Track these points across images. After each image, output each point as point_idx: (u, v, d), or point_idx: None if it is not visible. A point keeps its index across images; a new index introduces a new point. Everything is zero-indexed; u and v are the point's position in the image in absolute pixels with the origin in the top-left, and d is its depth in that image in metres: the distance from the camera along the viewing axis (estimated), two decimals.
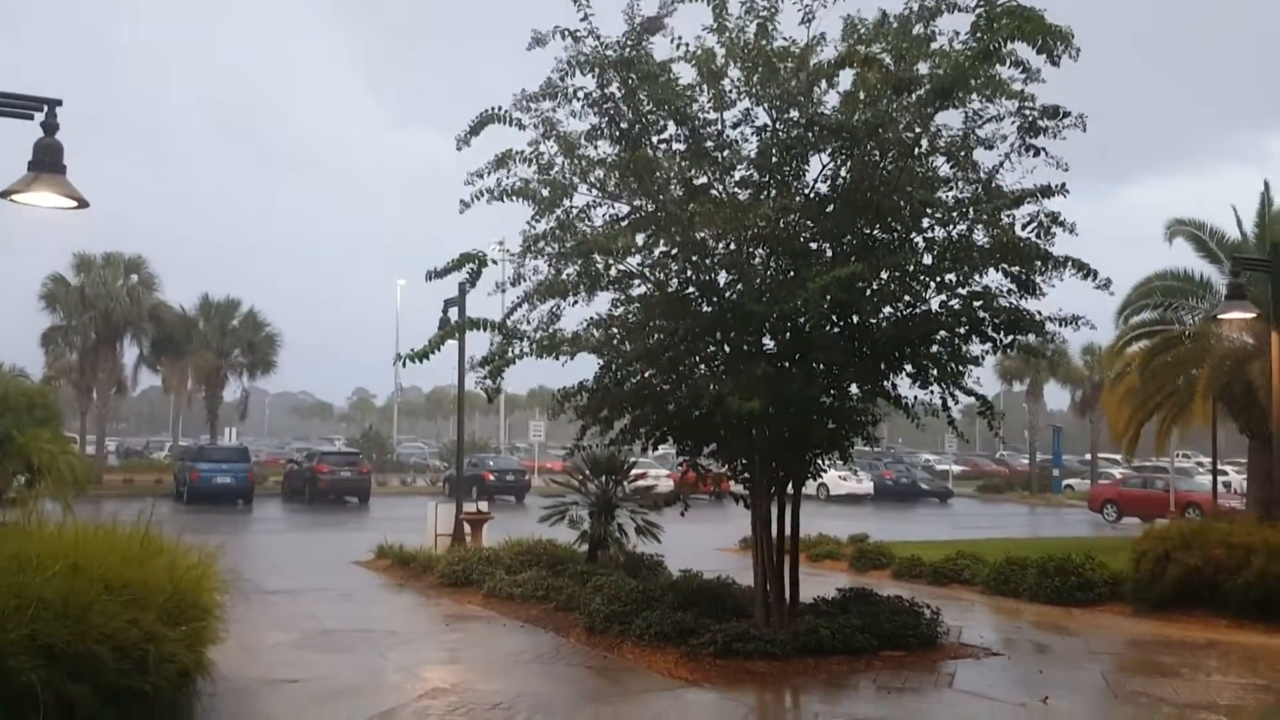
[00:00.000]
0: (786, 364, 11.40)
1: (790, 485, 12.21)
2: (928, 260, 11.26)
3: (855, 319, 11.33)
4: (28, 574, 6.64)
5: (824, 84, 11.03)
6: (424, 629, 13.10)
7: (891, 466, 51.81)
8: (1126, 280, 22.79)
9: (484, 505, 21.13)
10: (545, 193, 11.37)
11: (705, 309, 11.45)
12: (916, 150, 11.12)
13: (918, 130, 11.02)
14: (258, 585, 14.79)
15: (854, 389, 12.01)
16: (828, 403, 11.76)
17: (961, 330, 11.42)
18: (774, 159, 10.94)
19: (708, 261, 11.41)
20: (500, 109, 11.30)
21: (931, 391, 11.87)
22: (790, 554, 12.04)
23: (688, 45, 11.10)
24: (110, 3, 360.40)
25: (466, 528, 19.18)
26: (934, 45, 10.84)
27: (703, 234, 10.91)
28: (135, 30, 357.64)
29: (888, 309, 11.46)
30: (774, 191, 11.06)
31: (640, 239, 11.35)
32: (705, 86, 11.13)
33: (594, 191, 11.62)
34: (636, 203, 11.53)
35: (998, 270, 11.27)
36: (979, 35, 10.41)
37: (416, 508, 25.23)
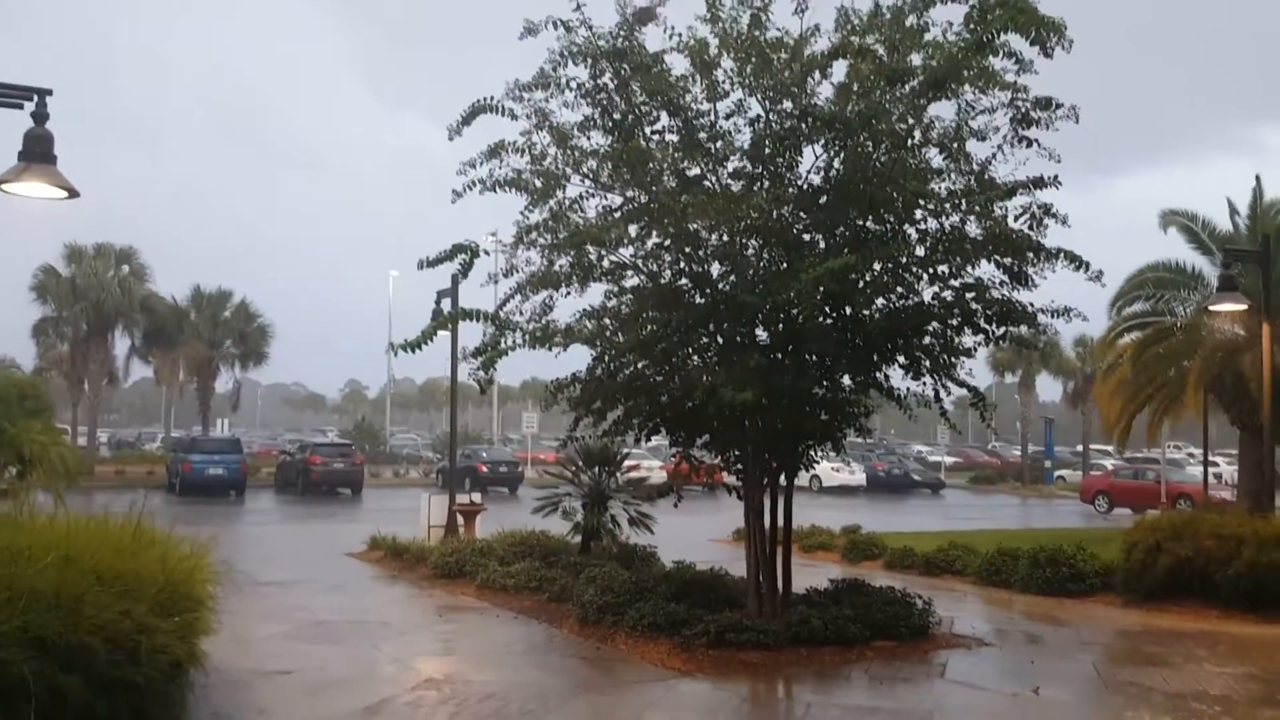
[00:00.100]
0: (779, 355, 11.41)
1: (783, 476, 12.23)
2: (920, 252, 11.28)
3: (848, 310, 11.32)
4: (20, 565, 6.62)
5: (817, 75, 11.02)
6: (417, 620, 13.10)
7: (884, 458, 51.96)
8: (1119, 272, 22.84)
9: (477, 497, 21.15)
10: (538, 183, 11.36)
11: (698, 300, 11.45)
12: (909, 142, 11.12)
13: (911, 122, 11.04)
14: (250, 577, 14.79)
15: (846, 380, 12.03)
16: (820, 394, 11.77)
17: (954, 322, 11.44)
18: (767, 150, 10.92)
19: (701, 253, 11.41)
20: (492, 99, 11.28)
21: (924, 383, 11.88)
22: (783, 545, 12.06)
23: (681, 36, 11.09)
24: (110, 2, 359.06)
25: (459, 519, 19.18)
26: (927, 36, 10.85)
27: (696, 225, 10.91)
28: (134, 29, 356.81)
29: (880, 300, 11.47)
30: (767, 183, 11.06)
31: (633, 230, 11.35)
32: (698, 77, 11.12)
33: (587, 182, 11.62)
34: (629, 194, 11.52)
35: (990, 262, 11.28)
36: (972, 26, 10.42)
37: (409, 499, 25.22)
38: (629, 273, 11.81)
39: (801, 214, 11.25)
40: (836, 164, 11.14)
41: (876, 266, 11.07)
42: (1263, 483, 19.35)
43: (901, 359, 11.70)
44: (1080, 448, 59.00)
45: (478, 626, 12.56)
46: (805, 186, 11.26)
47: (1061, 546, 15.57)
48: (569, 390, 12.31)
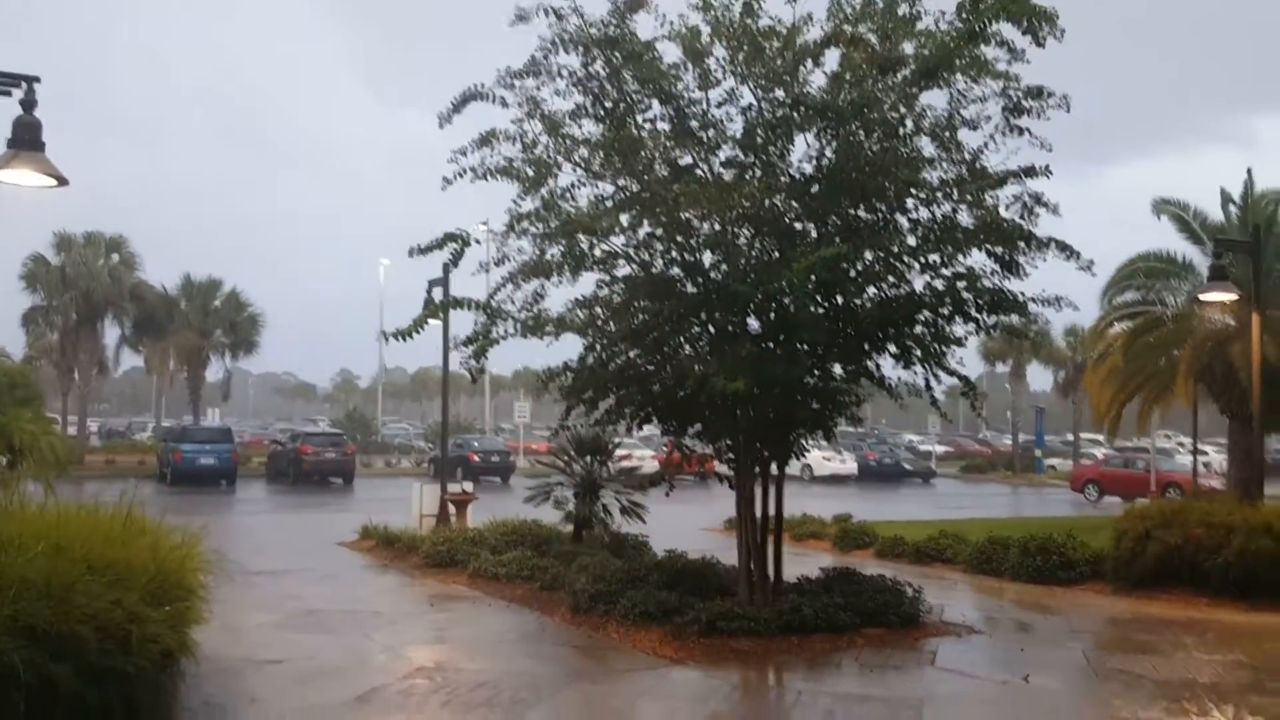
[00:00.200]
0: (771, 344, 11.41)
1: (774, 465, 12.24)
2: (912, 241, 11.30)
3: (839, 299, 11.34)
4: (10, 555, 6.60)
5: (810, 63, 11.00)
6: (409, 609, 13.11)
7: (875, 447, 52.09)
8: (1110, 262, 22.89)
9: (469, 486, 21.15)
10: (529, 172, 11.33)
11: (690, 289, 11.44)
12: (901, 130, 11.12)
13: (903, 110, 11.03)
14: (242, 566, 14.78)
15: (838, 369, 12.04)
16: (812, 383, 11.78)
17: (945, 311, 11.45)
18: (759, 139, 10.91)
19: (692, 242, 11.40)
20: (483, 86, 11.25)
21: (915, 372, 11.90)
22: (774, 534, 12.08)
23: (672, 24, 11.07)
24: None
25: (451, 508, 19.18)
26: (919, 25, 10.84)
27: (687, 214, 10.89)
28: (132, 23, 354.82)
29: (872, 289, 11.49)
30: (759, 172, 11.05)
31: (625, 219, 11.32)
32: (690, 65, 11.10)
33: (578, 171, 11.59)
34: (621, 182, 11.50)
35: (981, 251, 11.30)
36: (964, 15, 10.43)
37: (401, 489, 25.22)
38: (620, 262, 11.80)
39: (793, 203, 11.24)
40: (828, 153, 11.13)
41: (868, 255, 11.08)
42: (1252, 471, 19.45)
43: (893, 348, 11.72)
44: (1071, 437, 59.29)
45: (469, 615, 12.57)
46: (797, 175, 11.25)
47: (1052, 535, 15.62)
48: (561, 379, 12.30)
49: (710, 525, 21.12)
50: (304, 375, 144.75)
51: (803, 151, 11.22)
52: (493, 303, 11.34)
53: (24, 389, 17.72)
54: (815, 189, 11.15)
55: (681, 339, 11.83)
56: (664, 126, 11.29)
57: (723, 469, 12.57)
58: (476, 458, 40.97)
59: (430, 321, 11.69)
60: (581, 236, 11.05)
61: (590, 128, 11.47)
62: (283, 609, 12.43)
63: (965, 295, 11.32)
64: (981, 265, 11.37)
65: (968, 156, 11.24)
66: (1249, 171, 22.33)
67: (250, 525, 24.52)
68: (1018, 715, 8.66)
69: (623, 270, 11.88)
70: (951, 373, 11.84)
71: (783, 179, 11.13)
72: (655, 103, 11.22)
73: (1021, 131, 11.01)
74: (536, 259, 11.41)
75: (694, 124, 11.15)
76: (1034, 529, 16.59)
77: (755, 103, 11.13)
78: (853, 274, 11.05)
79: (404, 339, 10.94)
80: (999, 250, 11.24)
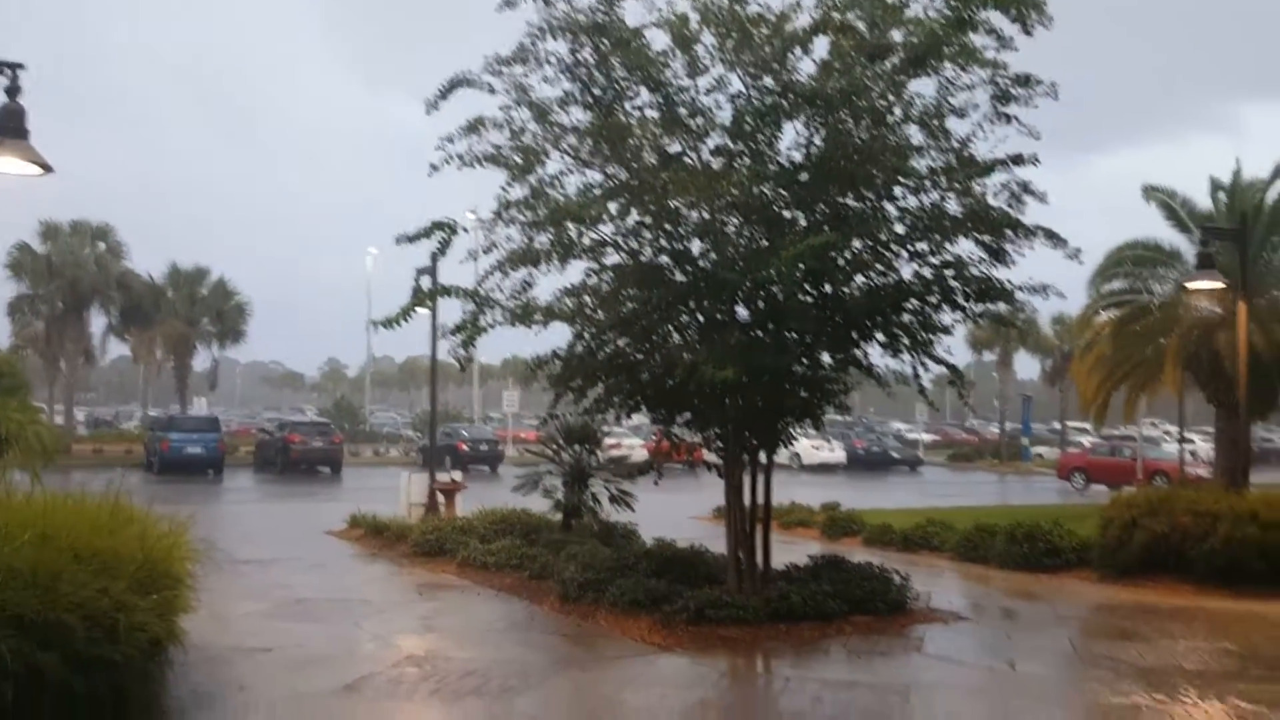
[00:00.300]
0: (760, 333, 11.41)
1: (763, 454, 12.25)
2: (900, 229, 11.31)
3: (828, 288, 11.34)
4: None
5: (798, 51, 10.98)
6: (398, 598, 13.10)
7: (863, 435, 52.23)
8: (1098, 250, 22.98)
9: (457, 475, 21.13)
10: (517, 159, 11.30)
11: (678, 278, 11.43)
12: (890, 118, 11.11)
13: (891, 98, 11.02)
14: (230, 555, 14.76)
15: (826, 358, 12.04)
16: (800, 371, 11.78)
17: (933, 299, 11.46)
18: (748, 126, 10.89)
19: (681, 230, 11.38)
20: (471, 73, 11.21)
21: (903, 360, 11.93)
22: (763, 522, 12.10)
23: (660, 10, 11.04)
24: None
25: (440, 497, 19.17)
26: (908, 13, 10.82)
27: (676, 202, 10.87)
28: (119, 12, 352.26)
29: (860, 278, 11.49)
30: (748, 160, 11.03)
31: (613, 207, 11.31)
32: (678, 52, 11.06)
33: (566, 159, 11.56)
34: (609, 170, 11.47)
35: (969, 239, 11.31)
36: (953, 3, 10.43)
37: (389, 478, 25.19)
38: (609, 250, 11.77)
39: (782, 191, 11.23)
40: (817, 141, 11.12)
41: (856, 244, 11.09)
42: (1238, 459, 19.53)
43: (881, 336, 11.73)
44: (1058, 425, 59.47)
45: (458, 604, 12.57)
46: (786, 163, 11.23)
47: (1038, 522, 15.67)
48: (549, 367, 12.29)
49: (699, 514, 21.14)
50: (292, 364, 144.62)
51: (791, 139, 11.22)
52: (481, 291, 11.32)
53: (10, 378, 17.60)
54: (804, 177, 11.14)
55: (670, 327, 11.82)
56: (652, 114, 11.27)
57: (711, 457, 12.58)
58: (465, 447, 40.97)
59: (419, 310, 11.67)
60: (570, 225, 11.02)
61: (578, 115, 11.46)
62: (271, 597, 12.41)
63: (953, 283, 11.34)
64: (969, 253, 11.39)
65: (956, 144, 11.24)
66: (1237, 160, 22.47)
67: (238, 514, 24.48)
68: (1004, 702, 8.70)
69: (611, 258, 11.87)
70: (939, 361, 11.86)
71: (771, 167, 11.11)
72: (644, 90, 11.19)
73: (1009, 119, 11.02)
74: (525, 247, 11.38)
75: (682, 111, 11.13)
76: (1021, 517, 16.65)
77: (744, 90, 11.11)
78: (841, 262, 11.06)
79: (392, 327, 10.92)
80: (987, 238, 11.26)
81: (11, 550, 6.52)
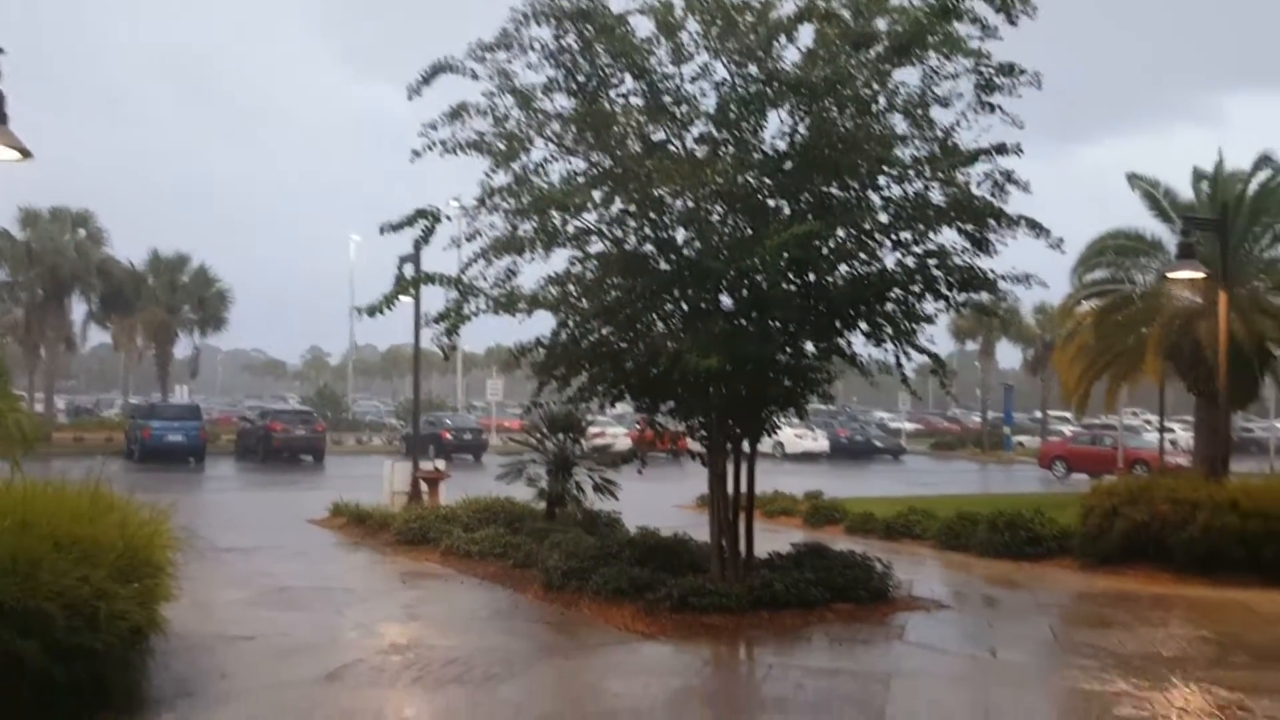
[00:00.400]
0: (743, 321, 11.41)
1: (747, 442, 12.26)
2: (884, 218, 11.32)
3: (811, 277, 11.35)
4: None
5: (783, 39, 10.97)
6: (381, 586, 13.08)
7: (846, 424, 52.44)
8: (1080, 240, 23.04)
9: (441, 464, 21.10)
10: (501, 146, 11.25)
11: (663, 266, 11.41)
12: (874, 107, 11.11)
13: (875, 87, 11.01)
14: (211, 543, 14.71)
15: (810, 347, 12.06)
16: (784, 360, 11.79)
17: (916, 288, 11.48)
18: (732, 115, 10.86)
19: (665, 218, 11.36)
20: (454, 58, 11.15)
21: (886, 349, 11.94)
22: (746, 510, 12.12)
23: None
24: None
25: (423, 486, 19.14)
26: (893, 1, 10.81)
27: (660, 190, 10.85)
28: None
29: (844, 267, 11.50)
30: (732, 148, 11.02)
31: (597, 195, 11.26)
32: (663, 39, 11.03)
33: (551, 146, 11.52)
34: (594, 158, 11.44)
35: (952, 228, 11.33)
36: None
37: (372, 466, 25.14)
38: (593, 238, 11.74)
39: (766, 180, 11.21)
40: (801, 129, 11.11)
41: (840, 233, 11.09)
42: (1218, 448, 19.68)
43: (864, 325, 11.74)
44: (1039, 414, 59.78)
45: (442, 592, 12.56)
46: (770, 152, 11.22)
47: (1020, 511, 15.76)
48: (533, 354, 12.27)
49: (683, 502, 21.18)
50: (274, 352, 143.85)
51: (776, 128, 11.21)
52: (464, 279, 11.28)
53: None
54: (788, 166, 11.13)
55: (654, 316, 11.81)
56: (637, 101, 11.23)
57: (695, 446, 12.59)
58: (449, 435, 40.89)
59: (402, 298, 11.63)
60: (554, 212, 10.98)
61: (562, 102, 11.41)
62: (253, 585, 12.37)
63: (936, 273, 11.36)
64: (952, 243, 11.41)
65: (940, 134, 11.25)
66: (1220, 151, 22.56)
67: (220, 502, 24.39)
68: (985, 689, 8.74)
69: (595, 247, 11.84)
70: (922, 350, 11.89)
71: (756, 155, 11.10)
72: (628, 77, 11.15)
73: (993, 109, 11.04)
74: (508, 235, 11.35)
75: (667, 99, 11.10)
76: (1002, 505, 16.73)
77: (728, 78, 11.09)
78: (825, 251, 11.06)
79: (372, 315, 10.89)
80: (970, 228, 11.27)
81: None
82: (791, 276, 11.13)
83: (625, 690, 8.53)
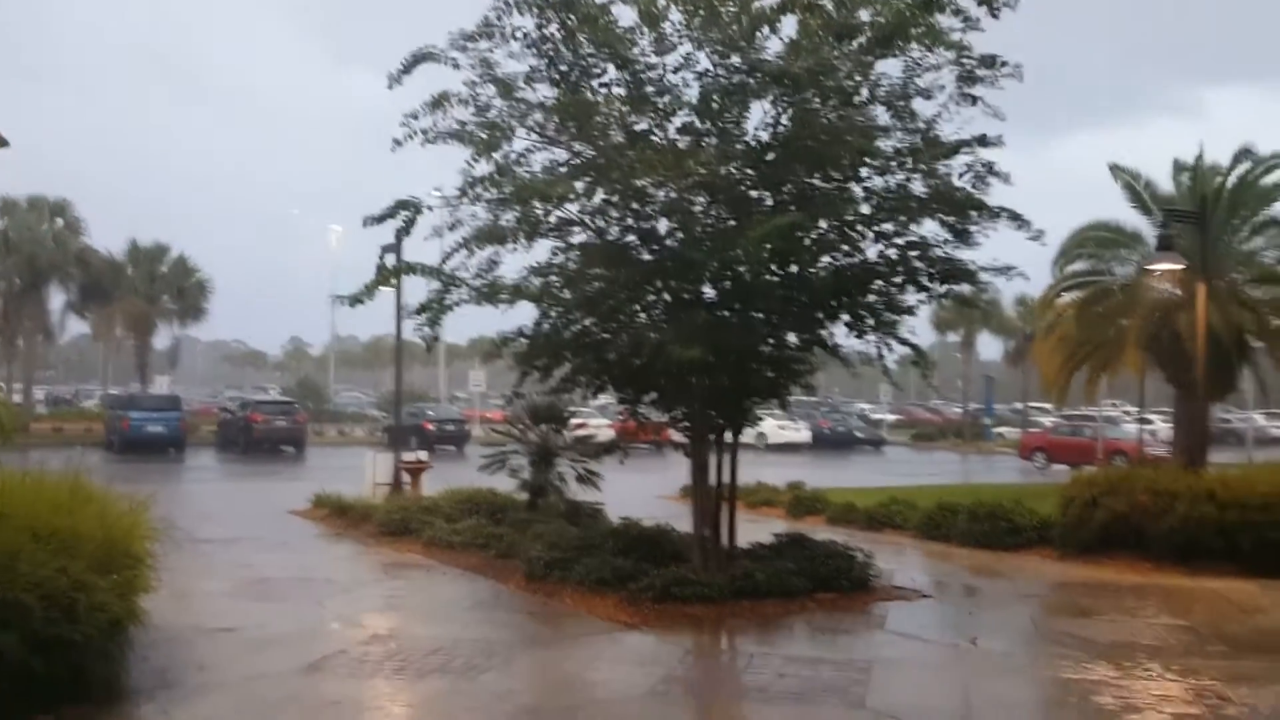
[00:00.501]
0: (726, 313, 11.42)
1: (729, 433, 12.28)
2: (866, 210, 11.34)
3: (794, 268, 11.36)
4: None
5: (766, 29, 10.94)
6: (363, 577, 13.05)
7: (828, 415, 52.59)
8: (1061, 231, 23.05)
9: (424, 454, 21.04)
10: (483, 136, 11.20)
11: (645, 257, 11.41)
12: (856, 99, 11.12)
13: (858, 78, 11.03)
14: (191, 534, 14.63)
15: (792, 338, 12.08)
16: (766, 351, 11.82)
17: (897, 280, 11.52)
18: (715, 105, 10.86)
19: (648, 209, 11.35)
20: (435, 47, 11.09)
21: (867, 341, 12.00)
22: (728, 501, 12.14)
23: None
24: None
25: (405, 477, 19.10)
26: None
27: (643, 181, 10.82)
28: None
29: (826, 258, 11.53)
30: (715, 139, 11.02)
31: (580, 185, 11.24)
32: (646, 29, 10.99)
33: (533, 136, 11.48)
34: (576, 148, 11.41)
35: (934, 220, 11.37)
36: None
37: (354, 457, 25.07)
38: (576, 229, 11.73)
39: (749, 170, 11.22)
40: (784, 120, 11.10)
41: (823, 224, 11.12)
42: (1196, 439, 19.80)
43: (846, 317, 11.78)
44: (1020, 405, 60.10)
45: (424, 583, 12.54)
46: (753, 143, 11.22)
47: (1000, 501, 15.84)
48: (515, 344, 12.24)
49: (665, 493, 21.19)
50: (254, 343, 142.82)
51: (759, 119, 11.20)
52: (446, 269, 11.25)
53: None
54: (771, 157, 11.13)
55: (637, 307, 11.80)
56: (619, 91, 11.20)
57: (678, 437, 12.60)
58: (431, 426, 40.80)
59: (383, 288, 11.59)
60: (536, 203, 10.95)
61: (545, 91, 11.37)
62: (233, 577, 12.32)
63: (917, 264, 11.40)
64: (934, 234, 11.46)
65: (922, 125, 11.29)
66: (1200, 144, 22.63)
67: (199, 493, 24.27)
68: (966, 678, 8.79)
69: (578, 237, 11.83)
70: (903, 341, 11.95)
71: (738, 146, 11.10)
72: (610, 67, 11.11)
73: (974, 101, 11.08)
74: (490, 225, 11.31)
75: (649, 89, 11.07)
76: (983, 495, 16.81)
77: (711, 69, 11.06)
78: (807, 243, 11.07)
79: (353, 305, 10.86)
80: (951, 219, 11.31)
81: None
82: (774, 268, 11.14)
83: (607, 680, 8.54)
